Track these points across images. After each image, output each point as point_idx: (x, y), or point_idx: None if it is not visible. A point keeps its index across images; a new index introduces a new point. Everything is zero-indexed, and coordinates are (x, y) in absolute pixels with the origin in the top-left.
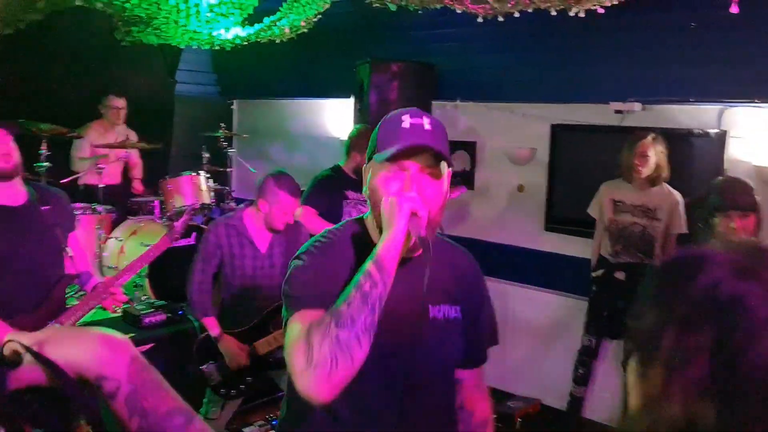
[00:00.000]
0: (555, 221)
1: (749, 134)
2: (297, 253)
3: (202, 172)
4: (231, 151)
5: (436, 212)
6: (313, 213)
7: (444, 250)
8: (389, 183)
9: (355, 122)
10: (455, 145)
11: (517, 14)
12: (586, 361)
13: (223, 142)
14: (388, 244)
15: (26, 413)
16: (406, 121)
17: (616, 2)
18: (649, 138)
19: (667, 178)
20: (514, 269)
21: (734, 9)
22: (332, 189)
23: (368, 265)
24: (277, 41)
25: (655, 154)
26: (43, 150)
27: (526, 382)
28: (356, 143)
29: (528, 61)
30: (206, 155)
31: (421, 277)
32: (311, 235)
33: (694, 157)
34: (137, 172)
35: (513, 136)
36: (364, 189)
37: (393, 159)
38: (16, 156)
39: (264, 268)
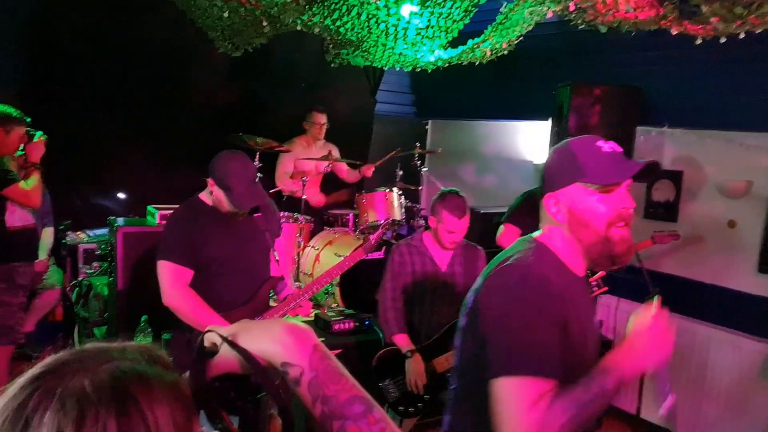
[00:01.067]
0: None
1: None
2: (503, 292)
3: (395, 189)
4: (423, 170)
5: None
6: (516, 232)
7: None
8: (614, 210)
9: (551, 146)
10: (659, 174)
11: (742, 35)
12: None
13: (416, 160)
14: (637, 368)
15: (223, 400)
16: (604, 147)
17: None
18: None
19: None
20: (720, 312)
21: None
22: (535, 209)
23: (611, 379)
24: (477, 63)
25: None
26: (256, 162)
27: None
28: None
29: (748, 86)
30: (400, 173)
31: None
32: None
33: None
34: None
35: (726, 166)
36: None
37: (615, 183)
38: None
39: (446, 285)
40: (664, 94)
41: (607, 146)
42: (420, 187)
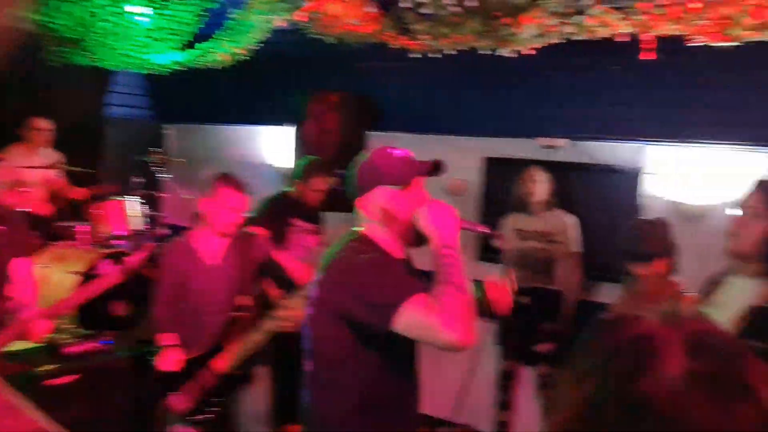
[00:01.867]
0: (489, 252)
1: (666, 171)
2: (354, 272)
3: (132, 198)
4: (165, 176)
5: None
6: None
7: None
8: (416, 201)
9: (295, 150)
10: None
11: (449, 51)
12: (506, 386)
13: (156, 167)
14: (450, 232)
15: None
16: (395, 152)
17: (539, 46)
18: (535, 168)
19: (557, 203)
20: None
21: (647, 56)
22: (283, 214)
23: (443, 250)
24: (218, 67)
25: (543, 182)
26: None
27: (460, 409)
28: (304, 173)
29: (461, 96)
30: (139, 180)
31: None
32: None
33: (613, 191)
34: (64, 191)
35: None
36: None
37: (410, 181)
38: None
39: (219, 281)
40: (393, 103)
41: (398, 152)
42: (162, 195)
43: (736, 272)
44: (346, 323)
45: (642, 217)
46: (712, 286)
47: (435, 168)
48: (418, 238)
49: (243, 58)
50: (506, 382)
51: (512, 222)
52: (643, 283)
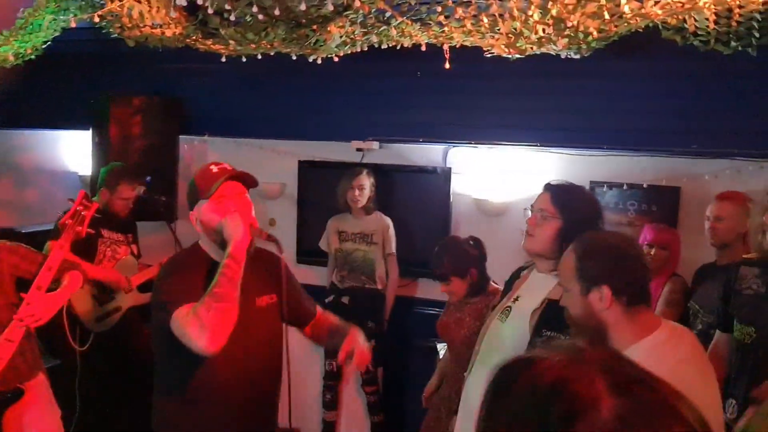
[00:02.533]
0: (305, 253)
1: (469, 171)
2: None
3: None
4: None
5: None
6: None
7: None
8: (219, 210)
9: (94, 156)
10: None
11: (259, 56)
12: (331, 386)
13: None
14: (238, 243)
15: None
16: (214, 168)
17: (350, 52)
18: (364, 172)
19: (376, 206)
20: None
21: (446, 66)
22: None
23: (226, 260)
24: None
25: (368, 187)
26: None
27: (281, 412)
28: (108, 180)
29: (275, 100)
30: None
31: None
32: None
33: (425, 191)
34: None
35: (263, 171)
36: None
37: (216, 192)
38: None
39: None
40: (204, 106)
41: (217, 167)
42: None
43: (535, 267)
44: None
45: (444, 238)
46: (514, 280)
47: (237, 175)
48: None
49: (31, 58)
50: (332, 382)
51: (334, 225)
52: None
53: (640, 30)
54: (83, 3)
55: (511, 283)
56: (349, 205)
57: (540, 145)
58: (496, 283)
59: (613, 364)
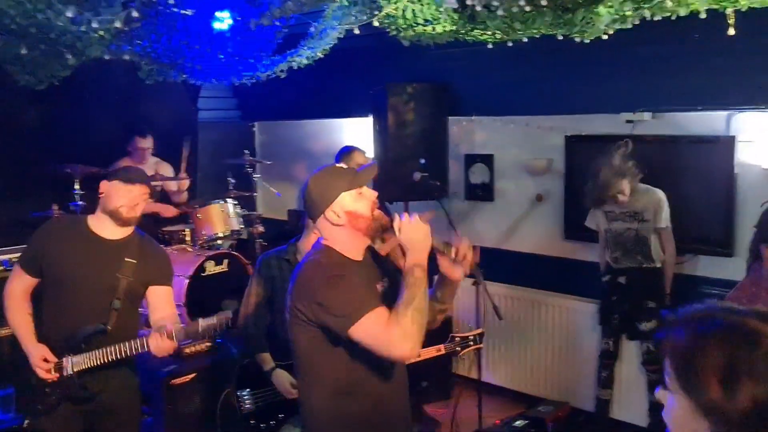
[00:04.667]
0: (573, 229)
1: (758, 138)
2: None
3: (229, 200)
4: (256, 176)
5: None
6: None
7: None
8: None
9: (375, 141)
10: (474, 158)
11: (525, 39)
12: (607, 364)
13: (247, 167)
14: (423, 249)
15: None
16: (340, 165)
17: (620, 28)
18: (617, 175)
19: (643, 180)
20: (536, 277)
21: (731, 31)
22: None
23: (414, 268)
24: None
25: (626, 179)
26: (77, 189)
27: (555, 386)
28: None
29: (539, 77)
30: (232, 181)
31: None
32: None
33: (705, 163)
34: (176, 196)
35: (529, 147)
36: (333, 217)
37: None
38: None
39: None
40: (470, 88)
41: (348, 165)
42: (254, 194)
43: None
44: (315, 326)
45: None
46: None
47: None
48: (378, 232)
49: (320, 55)
50: (607, 360)
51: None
52: None
53: None
54: (363, 7)
55: None
56: (613, 190)
57: None
58: None
59: None
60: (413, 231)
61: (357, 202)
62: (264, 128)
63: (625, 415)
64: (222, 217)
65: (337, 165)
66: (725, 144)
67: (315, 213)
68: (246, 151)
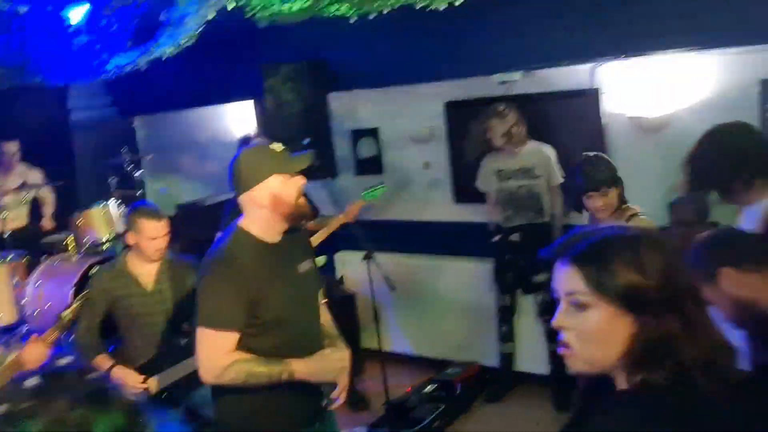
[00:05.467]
0: (462, 193)
1: (620, 88)
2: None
3: (111, 200)
4: (138, 172)
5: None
6: None
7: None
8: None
9: (258, 123)
10: (360, 133)
11: (386, 11)
12: (506, 319)
13: (129, 164)
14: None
15: None
16: (276, 147)
17: None
18: (495, 111)
19: (529, 136)
20: (431, 243)
21: None
22: None
23: (288, 373)
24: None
25: (510, 119)
26: None
27: (460, 348)
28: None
29: (413, 46)
30: (114, 180)
31: None
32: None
33: (576, 117)
34: (47, 208)
35: (412, 117)
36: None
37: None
38: None
39: (155, 305)
40: (347, 63)
41: (278, 146)
42: (140, 192)
43: None
44: None
45: (585, 155)
46: None
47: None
48: (299, 219)
49: (190, 42)
50: (506, 315)
51: (490, 163)
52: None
53: None
54: None
55: None
56: (500, 141)
57: (699, 48)
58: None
59: None
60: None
61: (284, 186)
62: (145, 122)
63: (529, 366)
64: (105, 220)
65: (274, 145)
66: (591, 97)
67: (240, 189)
68: (125, 148)
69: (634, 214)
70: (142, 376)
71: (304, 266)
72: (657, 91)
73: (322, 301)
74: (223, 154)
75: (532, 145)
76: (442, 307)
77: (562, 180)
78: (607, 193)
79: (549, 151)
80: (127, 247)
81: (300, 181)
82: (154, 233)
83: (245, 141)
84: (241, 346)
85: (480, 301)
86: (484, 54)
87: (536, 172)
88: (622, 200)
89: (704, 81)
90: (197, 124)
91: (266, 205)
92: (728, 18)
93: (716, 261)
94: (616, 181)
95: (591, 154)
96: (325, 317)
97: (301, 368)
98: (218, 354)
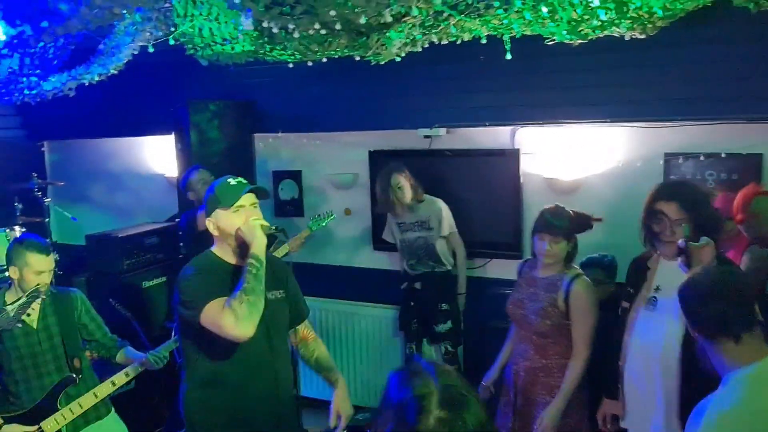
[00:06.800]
0: (381, 240)
1: (537, 150)
2: (180, 279)
3: (16, 227)
4: (47, 200)
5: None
6: None
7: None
8: (237, 218)
9: (178, 159)
10: (282, 175)
11: (324, 59)
12: None
13: (36, 190)
14: (258, 246)
15: None
16: (232, 181)
17: (410, 51)
18: (395, 172)
19: (423, 192)
20: (349, 288)
21: (507, 56)
22: None
23: (251, 259)
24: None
25: (406, 180)
26: None
27: (370, 394)
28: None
29: (343, 95)
30: (19, 206)
31: None
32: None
33: (495, 173)
34: None
35: (336, 163)
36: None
37: (238, 204)
38: None
39: (41, 343)
40: (275, 105)
41: (234, 181)
42: (46, 219)
43: (662, 255)
44: (185, 323)
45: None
46: (643, 269)
47: (259, 192)
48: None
49: (114, 72)
50: None
51: (393, 217)
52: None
53: (709, 4)
54: (158, 23)
55: (638, 272)
56: (396, 203)
57: (610, 121)
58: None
59: None
60: (251, 231)
61: (227, 220)
62: (55, 147)
63: None
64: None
65: (230, 180)
66: (511, 156)
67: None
68: (34, 174)
69: (579, 275)
70: (34, 427)
71: (272, 294)
72: (572, 156)
73: (310, 334)
74: (137, 186)
75: (427, 199)
76: (356, 352)
77: (454, 230)
78: (558, 242)
79: (440, 205)
80: (8, 282)
81: (250, 216)
82: (41, 267)
83: (189, 172)
84: (199, 362)
85: (389, 347)
86: (410, 109)
87: (431, 224)
88: (570, 259)
89: (615, 150)
90: (113, 154)
91: (217, 235)
92: (638, 94)
93: None
94: (569, 237)
95: (553, 204)
96: (321, 350)
97: None
98: (222, 312)
